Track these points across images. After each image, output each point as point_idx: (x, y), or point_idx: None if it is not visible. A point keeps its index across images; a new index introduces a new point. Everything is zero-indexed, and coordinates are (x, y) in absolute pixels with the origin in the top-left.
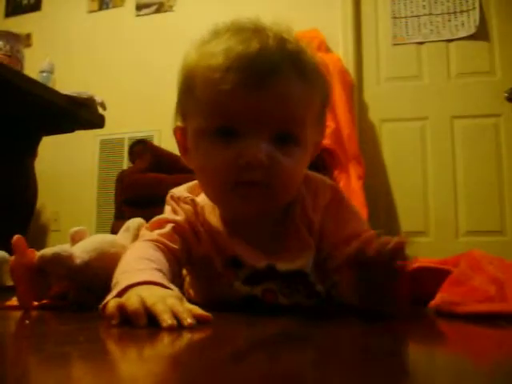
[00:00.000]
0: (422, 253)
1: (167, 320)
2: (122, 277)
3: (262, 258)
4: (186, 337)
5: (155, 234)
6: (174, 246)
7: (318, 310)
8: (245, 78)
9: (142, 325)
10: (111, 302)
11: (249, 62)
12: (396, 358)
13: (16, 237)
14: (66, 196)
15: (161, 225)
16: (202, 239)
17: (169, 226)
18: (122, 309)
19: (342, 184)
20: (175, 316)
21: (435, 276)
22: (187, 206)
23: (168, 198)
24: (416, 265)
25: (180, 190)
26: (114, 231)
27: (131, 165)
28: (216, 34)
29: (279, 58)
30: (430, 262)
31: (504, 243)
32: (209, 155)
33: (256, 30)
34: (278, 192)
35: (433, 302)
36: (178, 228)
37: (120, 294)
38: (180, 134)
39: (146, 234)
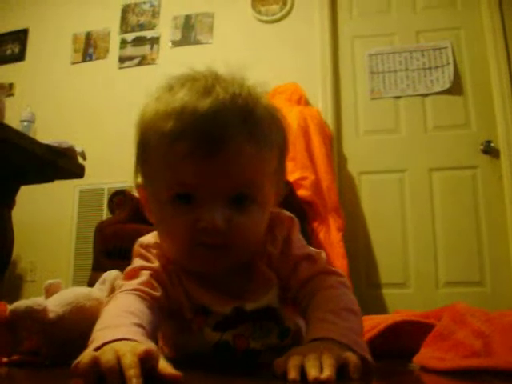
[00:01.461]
0: (403, 304)
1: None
2: (99, 334)
3: (229, 303)
4: None
5: (135, 283)
6: (156, 294)
7: None
8: (195, 148)
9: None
10: (85, 357)
11: (199, 128)
12: None
13: None
14: (42, 246)
15: (136, 273)
16: (175, 284)
17: (146, 274)
18: (96, 365)
19: (321, 236)
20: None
21: (418, 330)
22: (159, 252)
23: (136, 247)
24: (399, 319)
25: (148, 238)
26: (92, 283)
27: (110, 215)
28: (170, 88)
29: (230, 122)
30: (412, 315)
31: (483, 294)
32: (168, 220)
33: (208, 87)
34: (237, 251)
35: (417, 357)
36: (155, 274)
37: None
38: (142, 190)
39: (123, 284)
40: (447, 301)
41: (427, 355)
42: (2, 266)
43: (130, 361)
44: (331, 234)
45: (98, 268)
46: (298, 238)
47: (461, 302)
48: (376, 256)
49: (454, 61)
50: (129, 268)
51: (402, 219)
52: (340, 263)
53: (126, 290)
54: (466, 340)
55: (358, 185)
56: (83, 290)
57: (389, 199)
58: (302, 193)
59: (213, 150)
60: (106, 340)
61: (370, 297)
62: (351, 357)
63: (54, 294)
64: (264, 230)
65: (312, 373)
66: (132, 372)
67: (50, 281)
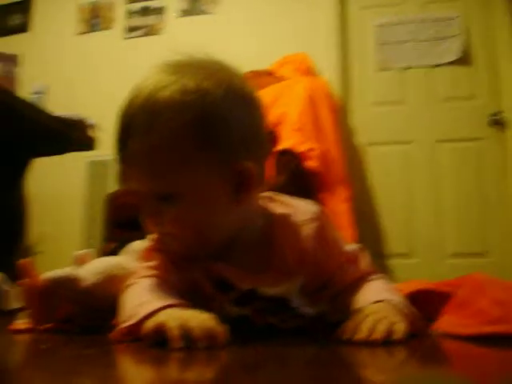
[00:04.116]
0: (408, 275)
1: (202, 341)
2: (139, 309)
3: (248, 278)
4: (215, 360)
5: (151, 267)
6: (171, 276)
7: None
8: (116, 144)
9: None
10: (148, 322)
11: (118, 129)
12: (398, 377)
13: (24, 261)
14: (51, 217)
15: (151, 255)
16: (190, 263)
17: (160, 256)
18: (160, 330)
19: (329, 206)
20: (208, 334)
21: (435, 299)
22: None
23: None
24: (418, 287)
25: None
26: (104, 254)
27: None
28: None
29: (134, 115)
30: (430, 284)
31: (489, 264)
32: None
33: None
34: (186, 237)
35: (439, 324)
36: (169, 256)
37: (147, 318)
38: None
39: (140, 269)
40: (453, 272)
41: (450, 322)
42: (17, 238)
43: (215, 324)
44: (339, 205)
45: (110, 239)
46: (332, 235)
47: (479, 272)
48: (383, 226)
49: (463, 31)
50: (145, 248)
51: (408, 190)
52: (348, 233)
53: (144, 276)
54: (486, 308)
55: (365, 156)
56: (114, 260)
57: (395, 170)
58: (310, 164)
59: (120, 146)
60: (157, 307)
61: (377, 266)
62: (400, 322)
63: (84, 263)
64: (214, 217)
65: (361, 335)
66: (217, 332)
67: (80, 251)
